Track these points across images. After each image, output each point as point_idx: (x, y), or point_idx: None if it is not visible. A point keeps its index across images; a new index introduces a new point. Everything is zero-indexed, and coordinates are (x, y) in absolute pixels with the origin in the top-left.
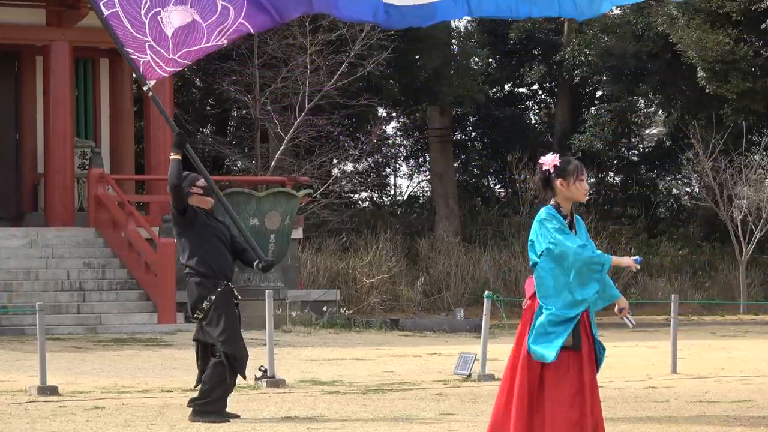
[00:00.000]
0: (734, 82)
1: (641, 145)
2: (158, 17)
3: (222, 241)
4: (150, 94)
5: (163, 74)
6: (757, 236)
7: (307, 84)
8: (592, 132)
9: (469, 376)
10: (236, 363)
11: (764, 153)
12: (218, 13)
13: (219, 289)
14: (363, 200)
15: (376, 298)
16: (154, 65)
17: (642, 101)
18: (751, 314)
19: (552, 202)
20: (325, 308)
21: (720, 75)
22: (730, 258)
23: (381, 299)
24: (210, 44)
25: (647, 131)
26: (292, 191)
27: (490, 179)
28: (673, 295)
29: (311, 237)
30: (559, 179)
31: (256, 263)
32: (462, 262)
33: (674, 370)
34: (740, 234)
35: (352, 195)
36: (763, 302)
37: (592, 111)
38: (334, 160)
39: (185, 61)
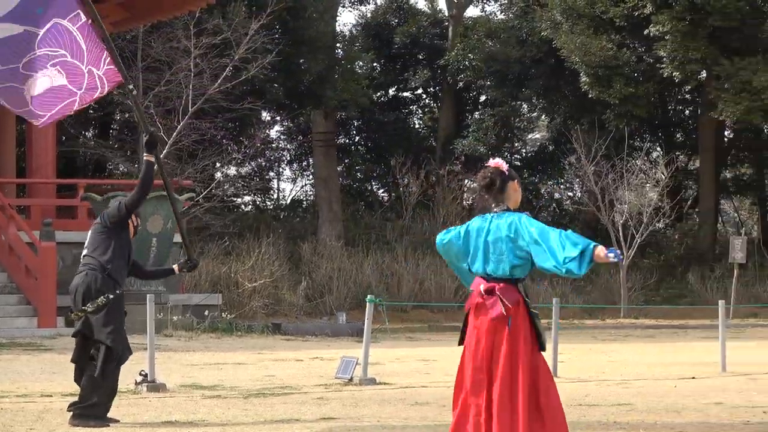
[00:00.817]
0: (617, 87)
1: (524, 150)
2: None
3: (130, 253)
4: (134, 92)
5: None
6: (638, 241)
7: (190, 87)
8: (475, 136)
9: (351, 380)
10: (119, 359)
11: (645, 158)
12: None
13: (118, 291)
14: (246, 204)
15: (259, 302)
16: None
17: (525, 106)
18: (631, 318)
19: (504, 207)
20: (206, 312)
21: (603, 80)
22: (611, 262)
23: (263, 303)
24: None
25: (530, 136)
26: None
27: (373, 183)
28: (554, 299)
29: (193, 241)
30: (515, 181)
31: (182, 262)
32: (345, 266)
33: (555, 374)
34: (621, 238)
35: (235, 199)
36: (643, 306)
37: (476, 115)
38: (218, 164)
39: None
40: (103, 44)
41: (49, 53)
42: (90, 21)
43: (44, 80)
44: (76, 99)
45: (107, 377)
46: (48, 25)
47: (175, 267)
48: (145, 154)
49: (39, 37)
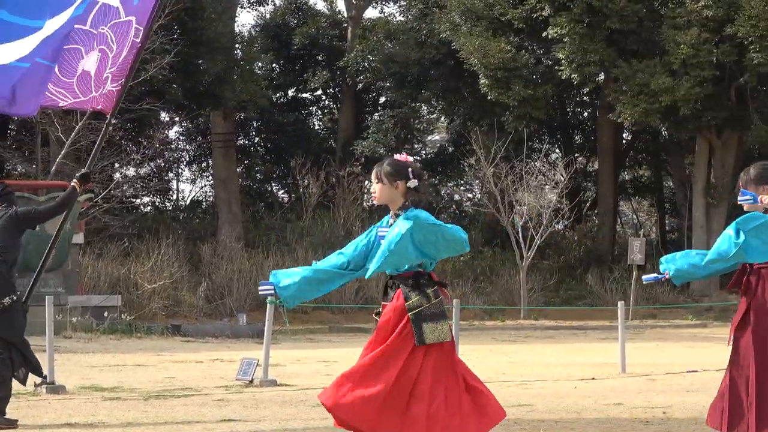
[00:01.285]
0: (516, 89)
1: (424, 152)
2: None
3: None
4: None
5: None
6: (538, 242)
7: None
8: (375, 138)
9: (252, 381)
10: (32, 365)
11: (545, 160)
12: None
13: (18, 293)
14: (145, 205)
15: (158, 303)
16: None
17: (425, 107)
18: (531, 319)
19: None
20: (106, 314)
21: (502, 82)
22: (511, 263)
23: (163, 305)
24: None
25: (430, 137)
26: None
27: (273, 184)
28: (454, 301)
29: (92, 242)
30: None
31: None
32: (245, 268)
33: None
34: (521, 240)
35: (134, 200)
36: (542, 307)
37: (376, 117)
38: (116, 165)
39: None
40: (128, 70)
41: (101, 34)
42: (140, 44)
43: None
44: (78, 100)
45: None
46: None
47: (75, 183)
48: (75, 180)
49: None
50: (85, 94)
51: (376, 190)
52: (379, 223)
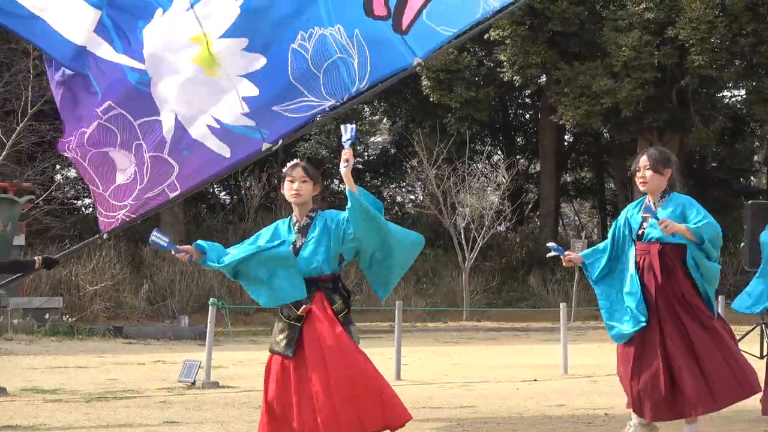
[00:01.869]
0: (458, 91)
1: (366, 153)
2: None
3: None
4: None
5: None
6: (480, 244)
7: (30, 89)
8: (317, 139)
9: (194, 383)
10: None
11: (487, 161)
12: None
13: None
14: (87, 207)
15: (100, 305)
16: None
17: (367, 109)
18: (473, 321)
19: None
20: (47, 316)
21: (444, 84)
22: (454, 265)
23: (105, 306)
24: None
25: (372, 139)
26: (14, 197)
27: (215, 186)
28: (397, 302)
29: (34, 244)
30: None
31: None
32: (187, 270)
33: (398, 377)
34: (463, 241)
35: (75, 201)
36: (485, 309)
37: (318, 118)
38: (57, 166)
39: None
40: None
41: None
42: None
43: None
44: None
45: None
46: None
47: (37, 259)
48: (39, 258)
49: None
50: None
51: (302, 188)
52: (276, 225)
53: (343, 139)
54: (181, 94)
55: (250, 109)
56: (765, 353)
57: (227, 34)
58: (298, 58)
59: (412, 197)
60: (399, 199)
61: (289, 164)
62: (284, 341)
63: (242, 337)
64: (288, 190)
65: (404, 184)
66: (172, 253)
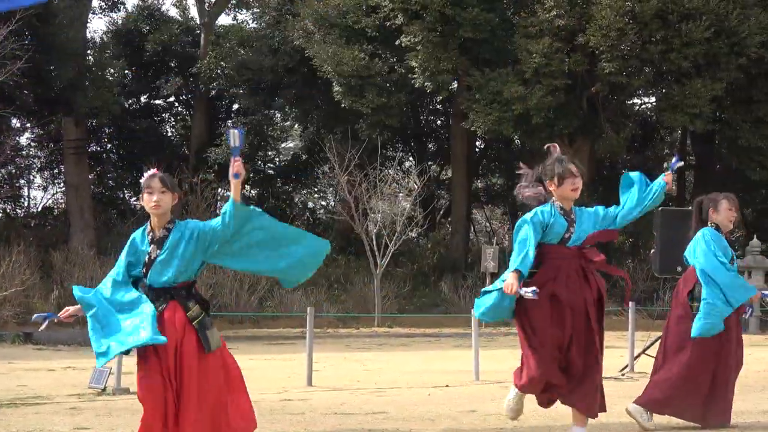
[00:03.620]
0: (369, 97)
1: (277, 159)
2: None
3: None
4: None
5: None
6: (392, 250)
7: None
8: (228, 145)
9: (104, 389)
10: None
11: (398, 168)
12: None
13: None
14: None
15: (9, 311)
16: None
17: (278, 115)
18: (385, 326)
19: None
20: None
21: (355, 90)
22: (366, 271)
23: (14, 312)
24: None
25: (283, 145)
26: None
27: (125, 191)
28: (308, 308)
29: None
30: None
31: None
32: (97, 275)
33: (310, 383)
34: (375, 247)
35: None
36: (397, 315)
37: (229, 124)
38: None
39: None
40: None
41: None
42: None
43: None
44: None
45: None
46: None
47: None
48: None
49: None
50: None
51: (161, 199)
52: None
53: (231, 146)
54: None
55: None
56: None
57: None
58: None
59: (324, 203)
60: (311, 205)
61: (146, 175)
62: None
63: None
64: (147, 201)
65: (316, 190)
66: (55, 321)
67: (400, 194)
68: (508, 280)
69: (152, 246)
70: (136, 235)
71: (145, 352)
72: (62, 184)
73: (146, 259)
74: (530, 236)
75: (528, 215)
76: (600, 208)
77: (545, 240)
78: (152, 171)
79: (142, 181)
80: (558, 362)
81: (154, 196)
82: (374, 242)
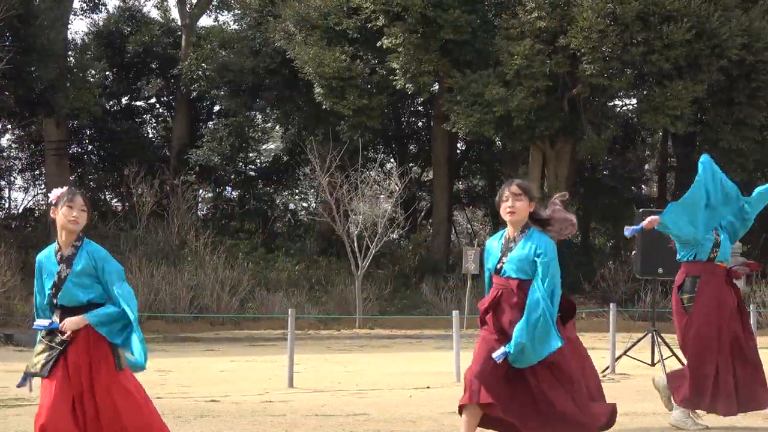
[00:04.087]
0: (350, 99)
1: (259, 160)
2: None
3: None
4: None
5: None
6: (373, 251)
7: None
8: (209, 146)
9: None
10: None
11: (380, 169)
12: None
13: None
14: None
15: None
16: None
17: (259, 116)
18: (366, 328)
19: None
20: None
21: (337, 91)
22: (347, 272)
23: None
24: None
25: (265, 146)
26: None
27: (106, 193)
28: (290, 310)
29: None
30: None
31: None
32: None
33: (291, 384)
34: (356, 249)
35: None
36: (378, 316)
37: (210, 125)
38: None
39: None
40: None
41: None
42: None
43: None
44: None
45: None
46: None
47: None
48: None
49: None
50: None
51: (80, 217)
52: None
53: None
54: None
55: None
56: (656, 361)
57: None
58: None
59: (305, 205)
60: (292, 206)
61: (67, 191)
62: (41, 363)
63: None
64: (67, 215)
65: (297, 191)
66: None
67: (382, 196)
68: None
69: (61, 265)
70: (42, 257)
71: (54, 371)
72: (43, 186)
73: (56, 279)
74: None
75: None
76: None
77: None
78: (73, 189)
79: (58, 194)
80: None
81: (74, 212)
82: (355, 244)
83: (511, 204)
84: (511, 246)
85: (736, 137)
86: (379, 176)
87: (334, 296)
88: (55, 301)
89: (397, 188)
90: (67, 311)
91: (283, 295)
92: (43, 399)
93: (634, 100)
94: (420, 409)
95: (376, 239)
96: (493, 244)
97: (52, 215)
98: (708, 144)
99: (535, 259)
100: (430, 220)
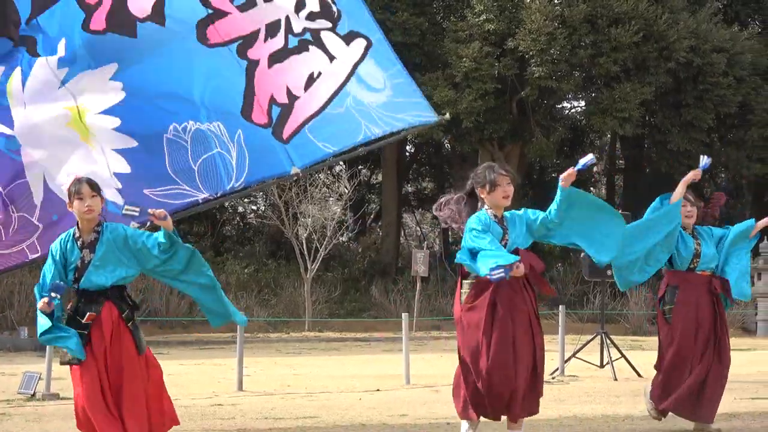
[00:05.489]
0: None
1: None
2: None
3: None
4: None
5: None
6: (322, 254)
7: None
8: None
9: (34, 395)
10: None
11: (329, 172)
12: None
13: None
14: None
15: None
16: None
17: None
18: (316, 331)
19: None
20: None
21: None
22: (296, 275)
23: None
24: None
25: None
26: None
27: None
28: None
29: None
30: None
31: None
32: (27, 281)
33: (240, 388)
34: (305, 252)
35: None
36: (327, 319)
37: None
38: None
39: None
40: None
41: None
42: None
43: None
44: None
45: None
46: None
47: None
48: None
49: None
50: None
51: (93, 204)
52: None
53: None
54: (54, 153)
55: (122, 186)
56: (605, 362)
57: (104, 111)
58: (176, 148)
59: (254, 207)
60: (240, 209)
61: (72, 181)
62: (70, 350)
63: None
64: (80, 207)
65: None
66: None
67: (331, 198)
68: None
69: (84, 250)
70: (58, 245)
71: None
72: None
73: (78, 264)
74: (485, 236)
75: (471, 223)
76: (530, 212)
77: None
78: (78, 176)
79: (67, 187)
80: (508, 366)
81: (86, 202)
82: (304, 246)
83: (506, 189)
84: (506, 225)
85: (684, 139)
86: (328, 179)
87: (284, 299)
88: (76, 287)
89: (346, 191)
90: (89, 294)
91: (232, 298)
92: (76, 385)
93: (583, 103)
94: (369, 412)
95: (325, 242)
96: (490, 220)
97: (68, 209)
98: (656, 146)
99: (532, 218)
100: (380, 223)
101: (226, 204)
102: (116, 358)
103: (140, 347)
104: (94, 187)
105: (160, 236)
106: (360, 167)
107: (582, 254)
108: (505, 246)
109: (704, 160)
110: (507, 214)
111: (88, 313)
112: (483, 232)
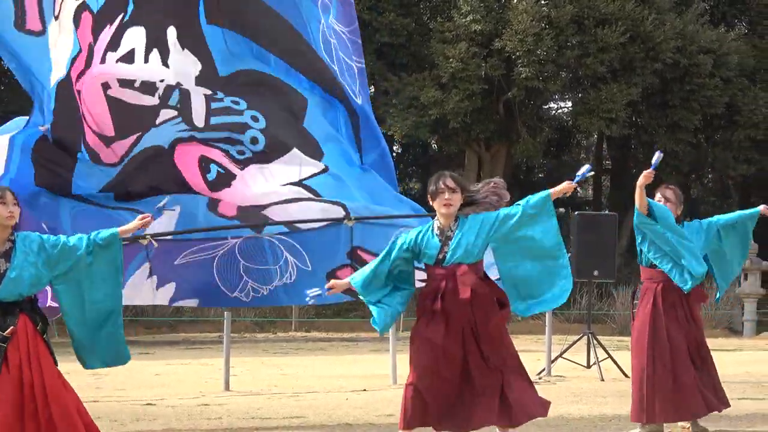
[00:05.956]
0: None
1: None
2: None
3: None
4: None
5: None
6: None
7: None
8: None
9: None
10: None
11: None
12: None
13: None
14: None
15: None
16: None
17: None
18: (302, 331)
19: None
20: None
21: None
22: None
23: None
24: None
25: None
26: None
27: None
28: (226, 313)
29: None
30: None
31: None
32: None
33: (227, 388)
34: None
35: None
36: (314, 319)
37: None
38: None
39: None
40: None
41: None
42: None
43: None
44: None
45: None
46: None
47: None
48: None
49: None
50: None
51: (15, 212)
52: None
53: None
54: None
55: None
56: (591, 363)
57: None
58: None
59: None
60: None
61: None
62: None
63: (68, 347)
64: (2, 212)
65: None
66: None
67: None
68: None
69: (0, 260)
70: None
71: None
72: None
73: None
74: (384, 254)
75: (403, 235)
76: (503, 209)
77: (422, 261)
78: (2, 185)
79: None
80: (445, 384)
81: (8, 208)
82: None
83: (449, 197)
84: (450, 235)
85: (670, 140)
86: None
87: None
88: None
89: None
90: (3, 306)
91: None
92: None
93: (569, 103)
94: (356, 412)
95: None
96: (427, 236)
97: None
98: (643, 147)
99: (495, 222)
100: None
101: None
102: (37, 375)
103: (55, 359)
104: (16, 196)
105: (103, 233)
106: None
107: (568, 254)
108: (443, 260)
109: (656, 157)
110: (469, 218)
111: (11, 326)
112: (388, 251)
